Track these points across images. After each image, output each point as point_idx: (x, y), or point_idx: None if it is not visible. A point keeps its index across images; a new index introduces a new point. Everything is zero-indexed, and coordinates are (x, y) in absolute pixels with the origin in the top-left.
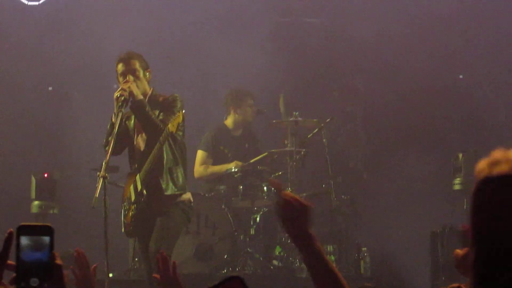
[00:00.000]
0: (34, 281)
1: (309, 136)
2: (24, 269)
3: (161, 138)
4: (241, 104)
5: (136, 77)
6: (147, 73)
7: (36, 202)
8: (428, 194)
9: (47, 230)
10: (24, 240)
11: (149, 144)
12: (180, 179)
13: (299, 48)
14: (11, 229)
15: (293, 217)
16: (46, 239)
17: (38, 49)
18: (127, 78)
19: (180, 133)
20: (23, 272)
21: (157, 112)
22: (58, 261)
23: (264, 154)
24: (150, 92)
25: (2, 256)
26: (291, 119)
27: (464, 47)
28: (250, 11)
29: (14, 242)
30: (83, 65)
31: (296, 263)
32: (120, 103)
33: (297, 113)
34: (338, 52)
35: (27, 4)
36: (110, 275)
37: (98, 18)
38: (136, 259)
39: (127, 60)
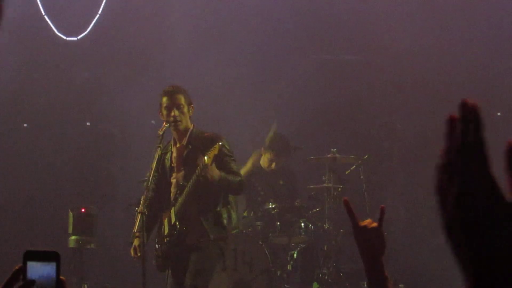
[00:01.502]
0: None
1: (347, 173)
2: None
3: (197, 170)
4: (266, 152)
5: (181, 112)
6: (191, 109)
7: (73, 237)
8: None
9: (54, 256)
10: (31, 266)
11: (188, 178)
12: (226, 221)
13: (337, 84)
14: (19, 265)
15: (369, 241)
16: (53, 265)
17: (76, 84)
18: (173, 112)
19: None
20: None
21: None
22: None
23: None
24: (191, 128)
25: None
26: (328, 155)
27: (502, 82)
28: (290, 48)
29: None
30: (121, 101)
31: None
32: (159, 139)
33: (335, 149)
34: (376, 90)
35: (65, 39)
36: None
37: (135, 53)
38: None
39: (173, 94)
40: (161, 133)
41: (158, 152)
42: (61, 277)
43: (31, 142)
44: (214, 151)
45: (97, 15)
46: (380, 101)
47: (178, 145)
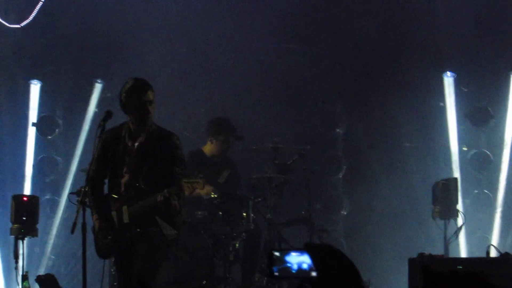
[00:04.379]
0: None
1: (289, 163)
2: None
3: (172, 191)
4: (218, 137)
5: (152, 108)
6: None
7: (15, 226)
8: (408, 221)
9: None
10: None
11: (148, 183)
12: (179, 219)
13: (278, 72)
14: None
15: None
16: None
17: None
18: (149, 108)
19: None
20: None
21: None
22: None
23: (227, 170)
24: (150, 124)
25: None
26: (270, 145)
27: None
28: (230, 36)
29: None
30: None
31: None
32: (100, 128)
33: (276, 139)
34: (317, 76)
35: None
36: None
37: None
38: (115, 284)
39: (147, 89)
40: (103, 123)
41: (100, 141)
42: None
43: None
44: (198, 185)
45: (40, 2)
46: (322, 87)
47: (135, 139)
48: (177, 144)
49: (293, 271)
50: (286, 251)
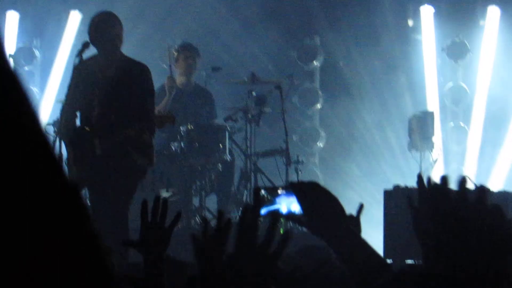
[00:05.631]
0: None
1: (265, 94)
2: None
3: (143, 126)
4: (178, 59)
5: (121, 42)
6: None
7: None
8: (384, 153)
9: None
10: None
11: (119, 116)
12: (152, 149)
13: (255, 3)
14: None
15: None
16: None
17: None
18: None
19: None
20: None
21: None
22: None
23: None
24: (118, 55)
25: None
26: (248, 76)
27: None
28: None
29: None
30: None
31: None
32: (79, 59)
33: (254, 71)
34: (295, 8)
35: None
36: None
37: None
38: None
39: (117, 23)
40: (80, 54)
41: (75, 72)
42: None
43: None
44: (169, 120)
45: None
46: (301, 21)
47: (104, 72)
48: (147, 76)
49: (282, 214)
50: (275, 192)
